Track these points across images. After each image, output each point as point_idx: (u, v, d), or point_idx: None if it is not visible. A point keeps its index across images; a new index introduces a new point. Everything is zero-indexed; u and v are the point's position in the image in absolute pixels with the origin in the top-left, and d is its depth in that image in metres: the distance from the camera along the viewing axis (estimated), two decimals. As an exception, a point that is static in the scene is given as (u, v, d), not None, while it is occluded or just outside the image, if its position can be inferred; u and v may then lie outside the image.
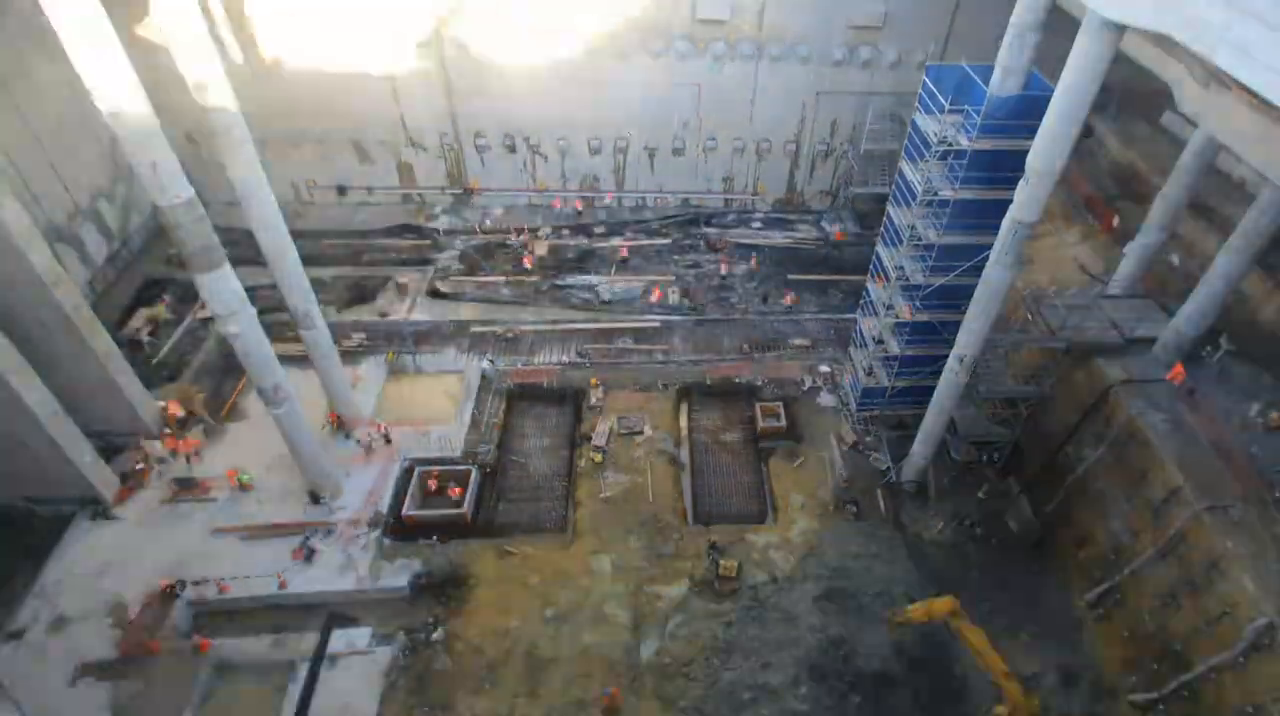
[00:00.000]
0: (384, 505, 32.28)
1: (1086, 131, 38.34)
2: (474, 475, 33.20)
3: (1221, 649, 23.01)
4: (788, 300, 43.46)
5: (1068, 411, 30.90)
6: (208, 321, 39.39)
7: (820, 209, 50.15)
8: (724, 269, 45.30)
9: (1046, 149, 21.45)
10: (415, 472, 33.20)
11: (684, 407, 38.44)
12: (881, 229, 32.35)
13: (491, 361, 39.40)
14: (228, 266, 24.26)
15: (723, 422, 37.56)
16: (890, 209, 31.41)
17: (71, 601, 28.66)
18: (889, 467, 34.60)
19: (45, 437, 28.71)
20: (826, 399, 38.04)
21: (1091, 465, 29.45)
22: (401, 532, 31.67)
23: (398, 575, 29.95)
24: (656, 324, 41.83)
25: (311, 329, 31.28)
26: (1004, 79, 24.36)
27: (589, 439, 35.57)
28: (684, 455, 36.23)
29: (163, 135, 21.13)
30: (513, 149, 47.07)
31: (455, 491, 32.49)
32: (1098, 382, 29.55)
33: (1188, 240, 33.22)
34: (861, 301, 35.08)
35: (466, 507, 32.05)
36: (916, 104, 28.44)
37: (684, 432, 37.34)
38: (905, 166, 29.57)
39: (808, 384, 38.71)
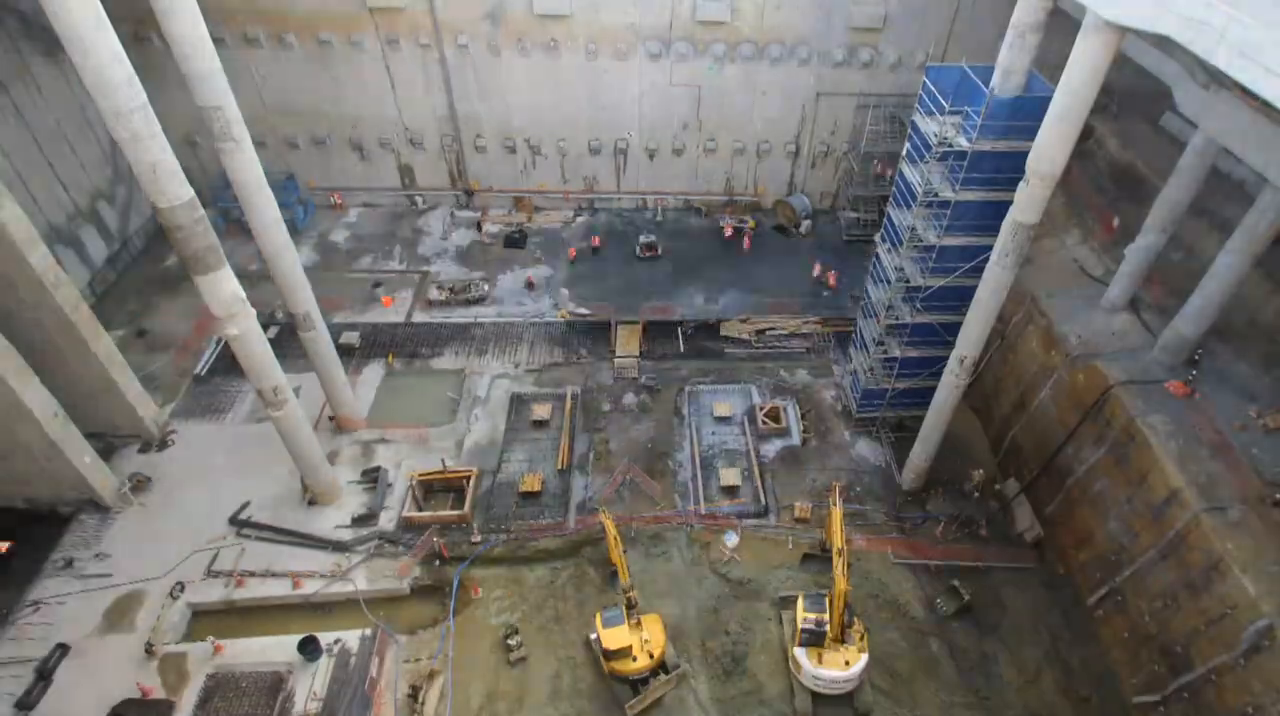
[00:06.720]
0: (384, 506, 32.26)
1: (1086, 132, 38.24)
2: (474, 475, 33.11)
3: (1222, 650, 23.00)
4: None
5: (1068, 412, 30.87)
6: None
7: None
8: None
9: (1047, 150, 21.39)
10: (415, 474, 33.06)
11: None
12: (881, 230, 32.33)
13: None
14: (227, 268, 24.22)
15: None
16: (890, 210, 31.37)
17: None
18: (889, 468, 34.54)
19: (45, 439, 28.71)
20: (828, 399, 38.07)
21: (1091, 466, 29.42)
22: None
23: (397, 576, 29.95)
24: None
25: (311, 331, 31.30)
26: (1004, 79, 24.34)
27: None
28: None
29: (163, 136, 21.05)
30: (513, 149, 47.07)
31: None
32: (1098, 383, 29.52)
33: (1187, 241, 33.13)
34: (861, 302, 35.03)
35: (467, 508, 32.00)
36: (917, 105, 28.42)
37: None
38: (905, 168, 29.54)
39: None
